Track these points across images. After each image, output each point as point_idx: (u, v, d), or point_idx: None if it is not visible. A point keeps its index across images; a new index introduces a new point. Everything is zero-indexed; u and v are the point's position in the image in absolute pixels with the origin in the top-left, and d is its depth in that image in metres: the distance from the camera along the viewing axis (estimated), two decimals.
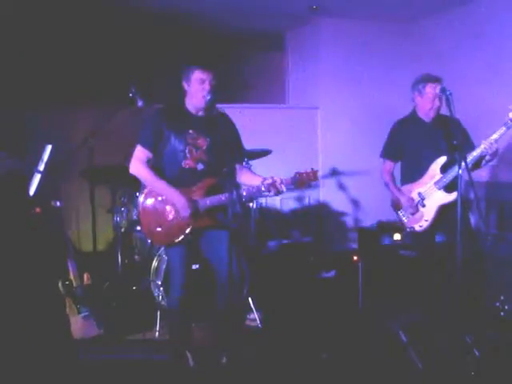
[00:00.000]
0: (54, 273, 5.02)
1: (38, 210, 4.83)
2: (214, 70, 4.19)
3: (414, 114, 5.04)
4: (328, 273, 6.63)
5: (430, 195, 4.89)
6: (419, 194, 4.94)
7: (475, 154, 4.57)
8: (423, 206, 4.92)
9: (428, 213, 4.91)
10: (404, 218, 5.04)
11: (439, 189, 4.85)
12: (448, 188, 4.81)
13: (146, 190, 4.31)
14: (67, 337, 4.86)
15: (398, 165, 5.20)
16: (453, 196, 4.76)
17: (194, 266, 5.17)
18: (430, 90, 4.84)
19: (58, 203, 5.03)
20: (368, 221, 7.19)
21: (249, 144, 5.60)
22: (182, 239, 4.23)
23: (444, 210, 4.87)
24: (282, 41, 8.64)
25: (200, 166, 4.23)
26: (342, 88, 7.91)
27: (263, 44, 8.92)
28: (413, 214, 4.96)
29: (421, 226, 4.94)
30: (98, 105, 6.49)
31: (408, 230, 5.01)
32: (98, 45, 7.55)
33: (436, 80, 4.82)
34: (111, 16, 7.12)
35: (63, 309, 4.94)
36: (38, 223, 4.91)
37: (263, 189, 4.15)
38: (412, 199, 4.95)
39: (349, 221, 7.87)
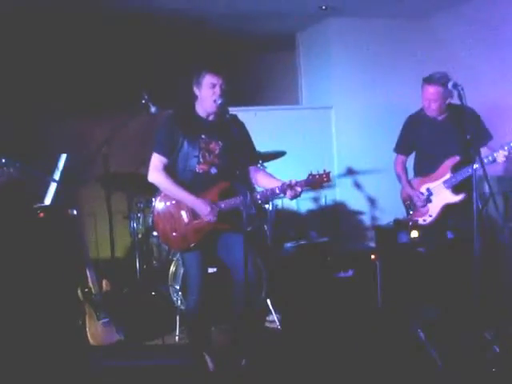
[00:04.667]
0: (72, 280, 5.06)
1: (40, 215, 4.87)
2: (224, 74, 4.18)
3: (422, 110, 5.06)
4: (345, 272, 6.61)
5: (438, 192, 4.97)
6: (428, 189, 5.04)
7: (490, 159, 4.54)
8: (430, 201, 5.03)
9: (433, 209, 5.02)
10: (410, 210, 5.18)
11: (447, 188, 4.89)
12: (456, 188, 4.86)
13: (160, 196, 4.33)
14: (79, 344, 4.90)
15: (412, 156, 5.31)
16: (459, 197, 4.87)
17: (212, 270, 5.19)
18: (424, 90, 4.88)
19: (75, 211, 5.05)
20: (385, 219, 7.18)
21: (263, 146, 5.62)
22: (198, 243, 4.24)
23: (450, 209, 4.92)
24: (293, 41, 8.64)
25: (213, 170, 4.24)
26: (355, 86, 7.88)
27: (275, 45, 8.91)
28: (420, 207, 5.05)
29: (424, 221, 5.07)
30: (111, 113, 6.52)
31: (411, 223, 5.12)
32: (109, 53, 7.58)
33: (427, 81, 4.83)
34: (122, 24, 7.15)
35: (77, 315, 4.98)
36: (42, 228, 4.95)
37: (277, 191, 4.16)
38: (421, 194, 5.04)
39: (366, 219, 7.85)
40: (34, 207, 4.93)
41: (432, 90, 4.78)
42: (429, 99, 4.85)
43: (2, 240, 4.62)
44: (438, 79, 4.74)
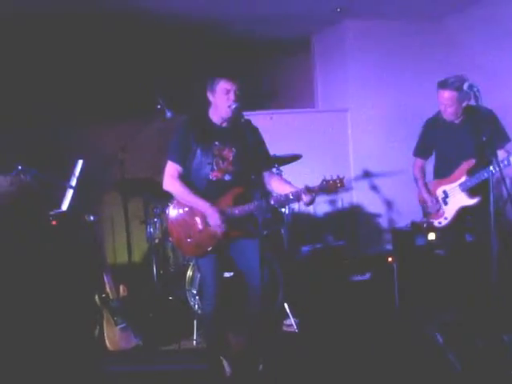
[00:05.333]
0: (89, 286, 5.09)
1: (53, 222, 4.90)
2: (238, 79, 4.16)
3: (440, 113, 5.03)
4: (362, 276, 6.60)
5: (453, 195, 4.98)
6: (444, 191, 5.06)
7: (506, 163, 4.52)
8: (446, 203, 5.04)
9: (448, 211, 5.04)
10: (425, 212, 5.21)
11: (462, 191, 4.90)
12: (471, 191, 4.85)
13: (173, 202, 4.34)
14: (96, 349, 4.93)
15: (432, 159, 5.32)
16: (474, 200, 4.87)
17: (228, 274, 5.19)
18: (439, 95, 4.85)
19: (92, 217, 5.07)
20: (402, 221, 7.14)
21: (279, 149, 5.62)
22: (213, 249, 4.24)
23: (466, 211, 4.93)
24: (308, 44, 8.64)
25: (227, 177, 4.23)
26: (371, 89, 7.87)
27: (290, 48, 8.90)
28: (434, 212, 5.09)
29: (440, 223, 5.10)
30: (127, 119, 6.55)
31: (425, 225, 5.16)
32: (124, 59, 7.61)
33: (441, 86, 4.79)
34: (137, 31, 7.18)
35: (94, 321, 5.01)
36: (59, 234, 4.98)
37: (291, 197, 4.14)
38: (435, 199, 5.08)
39: (382, 222, 7.82)
40: (50, 214, 4.95)
41: (447, 94, 4.75)
42: (444, 104, 4.82)
43: (19, 247, 4.64)
44: (451, 83, 4.70)
